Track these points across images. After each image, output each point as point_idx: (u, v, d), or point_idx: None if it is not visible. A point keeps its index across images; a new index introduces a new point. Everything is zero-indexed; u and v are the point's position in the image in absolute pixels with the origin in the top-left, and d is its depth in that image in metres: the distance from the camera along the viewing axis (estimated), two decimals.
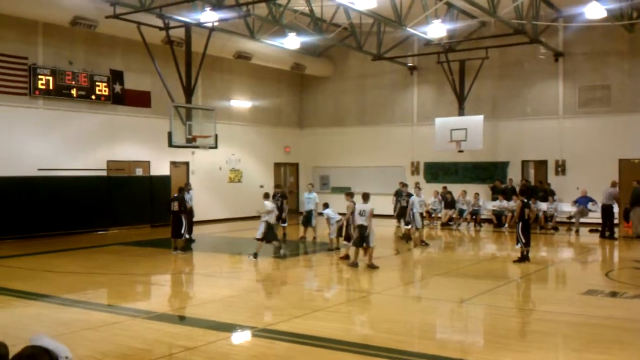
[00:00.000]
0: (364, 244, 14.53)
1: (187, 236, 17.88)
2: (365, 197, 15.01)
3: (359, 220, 14.58)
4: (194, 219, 20.43)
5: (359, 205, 14.85)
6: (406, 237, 20.05)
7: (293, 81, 31.15)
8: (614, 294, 11.88)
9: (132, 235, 21.37)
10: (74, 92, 21.59)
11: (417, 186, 21.29)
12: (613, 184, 21.01)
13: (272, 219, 16.09)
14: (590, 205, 22.32)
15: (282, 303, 11.49)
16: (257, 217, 16.70)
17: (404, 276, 14.74)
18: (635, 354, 7.83)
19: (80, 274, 14.39)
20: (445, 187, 25.15)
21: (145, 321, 9.78)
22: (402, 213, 20.71)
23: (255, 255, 15.76)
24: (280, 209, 20.07)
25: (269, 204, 16.23)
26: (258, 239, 15.97)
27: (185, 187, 19.63)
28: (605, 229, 20.66)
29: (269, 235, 16.01)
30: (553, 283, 14.12)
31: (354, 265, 14.55)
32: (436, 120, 25.77)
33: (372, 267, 14.27)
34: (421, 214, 18.80)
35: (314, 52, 28.96)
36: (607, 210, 20.64)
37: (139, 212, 23.30)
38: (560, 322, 9.86)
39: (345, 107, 30.48)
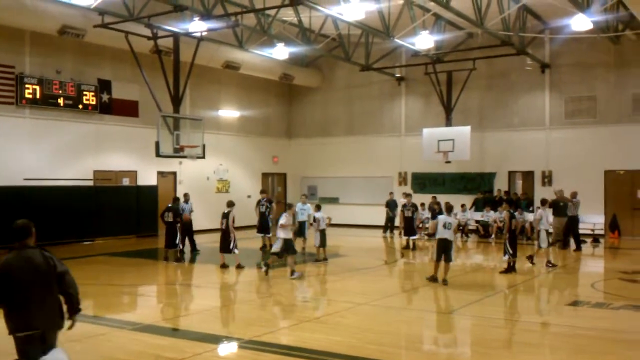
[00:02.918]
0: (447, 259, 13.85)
1: (181, 247, 17.70)
2: (449, 209, 14.39)
3: (444, 234, 13.79)
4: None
5: (443, 217, 14.01)
6: (410, 248, 20.31)
7: (281, 91, 31.18)
8: (599, 305, 11.93)
9: (119, 246, 21.24)
10: (61, 101, 21.49)
11: (406, 195, 21.53)
12: (574, 195, 21.17)
13: (288, 234, 14.85)
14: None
15: (269, 314, 11.45)
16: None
17: (391, 286, 14.73)
18: None
19: None
20: (434, 197, 25.15)
21: (131, 332, 9.72)
22: (408, 225, 20.53)
23: (267, 266, 15.04)
24: (265, 215, 20.01)
25: (284, 218, 14.86)
26: (273, 254, 15.10)
27: (185, 198, 19.54)
28: (567, 240, 20.69)
29: (290, 250, 14.87)
30: (539, 294, 14.16)
31: (433, 279, 13.89)
32: (424, 131, 25.86)
33: (445, 282, 13.70)
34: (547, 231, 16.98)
35: (302, 63, 29.02)
36: (572, 222, 20.66)
37: (126, 223, 23.16)
38: (546, 333, 9.90)
39: (334, 117, 30.54)
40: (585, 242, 21.85)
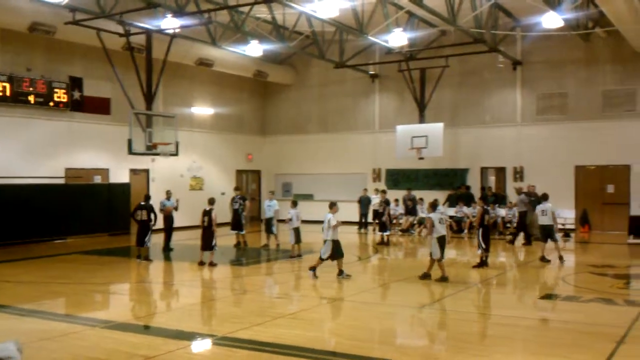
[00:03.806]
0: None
1: (149, 245, 17.57)
2: (435, 206, 14.35)
3: (442, 231, 13.75)
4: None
5: (435, 214, 13.95)
6: (384, 243, 20.57)
7: (255, 88, 31.11)
8: (570, 298, 12.12)
9: (91, 244, 21.04)
10: (31, 98, 21.21)
11: (380, 191, 21.79)
12: (520, 191, 21.57)
13: (335, 235, 14.02)
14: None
15: (243, 311, 11.43)
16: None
17: (366, 282, 14.79)
18: (592, 357, 7.99)
19: (38, 283, 14.12)
20: (409, 190, 25.29)
21: (104, 331, 9.65)
22: (379, 221, 21.29)
23: (340, 273, 14.12)
24: (238, 212, 19.97)
25: (333, 219, 13.98)
26: (323, 259, 14.12)
27: (167, 195, 19.46)
28: (518, 235, 21.00)
29: (337, 253, 14.09)
30: (511, 288, 14.32)
31: (444, 279, 13.58)
32: (397, 128, 26.00)
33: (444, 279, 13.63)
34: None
35: (276, 60, 28.98)
36: (523, 217, 21.04)
37: (98, 221, 22.96)
38: (518, 326, 10.01)
39: (308, 114, 30.56)
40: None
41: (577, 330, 9.54)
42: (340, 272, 14.05)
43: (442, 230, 13.74)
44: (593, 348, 8.42)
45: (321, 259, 14.10)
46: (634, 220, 21.45)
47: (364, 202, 25.12)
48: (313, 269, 14.18)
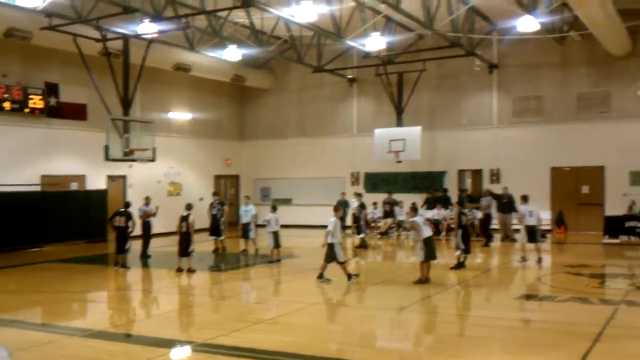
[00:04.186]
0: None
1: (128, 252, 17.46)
2: (416, 209, 14.24)
3: (427, 232, 13.72)
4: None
5: (419, 218, 13.94)
6: (362, 246, 20.78)
7: (233, 93, 31.06)
8: (547, 298, 12.26)
9: (68, 252, 20.84)
10: (7, 105, 20.94)
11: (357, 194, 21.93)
12: (486, 193, 21.87)
13: (336, 238, 13.82)
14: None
15: (223, 317, 11.42)
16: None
17: (344, 285, 14.83)
18: (569, 356, 8.10)
19: (14, 292, 13.97)
20: (390, 193, 25.40)
21: (82, 339, 9.58)
22: (356, 224, 21.49)
23: (321, 276, 14.11)
24: (216, 218, 19.91)
25: (332, 223, 13.85)
26: (342, 262, 14.03)
27: (146, 201, 19.35)
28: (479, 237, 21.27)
29: (331, 256, 13.87)
30: (489, 288, 14.42)
31: (425, 281, 13.62)
32: (375, 132, 26.12)
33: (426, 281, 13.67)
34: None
35: (254, 64, 28.96)
36: (487, 219, 21.41)
37: (75, 228, 22.71)
38: (496, 327, 10.11)
39: (286, 119, 30.58)
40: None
41: (553, 330, 9.66)
42: (321, 275, 14.05)
43: (428, 231, 13.76)
44: (569, 347, 8.53)
45: (340, 263, 13.97)
46: (609, 221, 21.74)
47: (342, 206, 25.09)
48: (349, 276, 13.95)
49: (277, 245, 17.28)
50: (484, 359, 8.27)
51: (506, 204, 21.78)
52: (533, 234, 16.95)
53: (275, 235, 17.23)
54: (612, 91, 24.01)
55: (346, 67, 27.77)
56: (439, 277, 14.45)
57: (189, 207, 16.33)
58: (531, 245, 16.95)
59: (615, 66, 23.87)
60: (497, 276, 15.89)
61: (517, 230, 22.49)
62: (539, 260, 16.69)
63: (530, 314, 11.21)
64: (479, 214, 23.34)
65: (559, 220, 24.36)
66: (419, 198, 25.65)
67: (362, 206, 21.69)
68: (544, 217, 23.93)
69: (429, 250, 13.64)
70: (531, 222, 16.90)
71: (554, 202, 24.72)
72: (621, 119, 23.71)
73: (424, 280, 13.61)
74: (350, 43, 22.49)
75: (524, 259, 16.59)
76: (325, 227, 13.82)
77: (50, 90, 22.48)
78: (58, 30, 19.43)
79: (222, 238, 19.99)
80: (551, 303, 11.87)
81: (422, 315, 11.44)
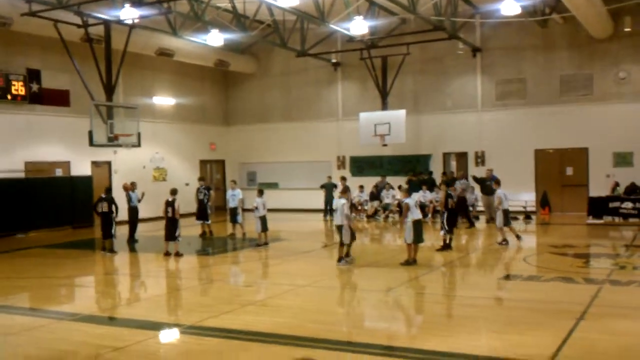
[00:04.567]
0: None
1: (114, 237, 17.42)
2: (408, 191, 14.52)
3: (417, 215, 13.85)
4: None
5: (410, 199, 14.05)
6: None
7: (217, 78, 30.93)
8: (531, 278, 12.41)
9: (54, 238, 20.75)
10: None
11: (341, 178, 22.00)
12: (462, 176, 22.04)
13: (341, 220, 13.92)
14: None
15: (212, 300, 11.47)
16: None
17: (332, 268, 14.92)
18: (552, 333, 8.22)
19: (1, 278, 13.90)
20: (383, 177, 25.54)
21: (71, 323, 9.60)
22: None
23: (340, 260, 14.16)
24: (203, 203, 19.93)
25: (341, 203, 14.05)
26: (347, 244, 14.13)
27: (132, 186, 19.26)
28: (463, 219, 21.40)
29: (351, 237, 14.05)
30: (475, 269, 14.60)
31: (413, 262, 13.73)
32: (360, 115, 26.15)
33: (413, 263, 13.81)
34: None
35: (237, 49, 28.82)
36: (463, 201, 21.51)
37: (60, 214, 22.63)
38: (481, 306, 10.25)
39: (271, 103, 30.50)
40: (517, 218, 22.68)
41: (538, 309, 9.79)
42: (340, 259, 14.11)
43: (417, 214, 13.90)
44: (554, 325, 8.66)
45: (343, 245, 14.08)
46: (593, 201, 21.98)
47: (329, 189, 25.24)
48: (340, 259, 14.09)
49: (264, 229, 17.35)
50: (471, 337, 8.38)
51: (490, 187, 21.89)
52: (508, 216, 17.06)
53: (263, 219, 17.29)
54: (595, 73, 24.16)
55: (330, 52, 27.71)
56: (426, 259, 14.57)
57: (174, 192, 16.34)
58: (506, 228, 17.07)
59: (597, 49, 24.02)
60: (483, 257, 16.05)
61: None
62: (519, 237, 16.90)
63: (515, 293, 11.35)
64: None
65: (543, 202, 24.58)
66: (404, 181, 25.82)
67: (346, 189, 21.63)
68: (529, 198, 24.29)
69: (417, 232, 13.76)
70: (506, 205, 16.98)
71: (539, 183, 24.93)
72: (604, 101, 23.91)
73: (411, 262, 13.73)
74: (334, 27, 22.46)
75: (505, 242, 16.72)
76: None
77: (32, 76, 22.25)
78: (39, 16, 19.21)
79: (209, 222, 20.01)
80: (536, 283, 12.02)
81: (409, 296, 11.56)
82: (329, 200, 25.01)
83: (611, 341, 8.00)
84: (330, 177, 25.90)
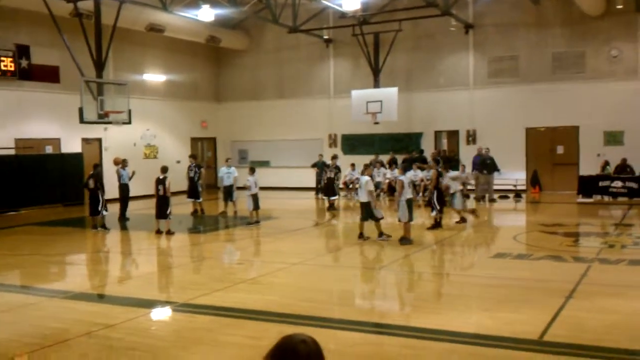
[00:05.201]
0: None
1: (104, 213, 17.34)
2: (406, 169, 14.61)
3: (409, 194, 13.81)
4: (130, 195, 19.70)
5: (404, 177, 13.93)
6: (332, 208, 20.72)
7: (208, 54, 30.70)
8: (521, 256, 12.50)
9: (44, 215, 20.71)
10: None
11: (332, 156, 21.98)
12: (434, 155, 22.20)
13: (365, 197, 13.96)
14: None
15: (203, 278, 11.50)
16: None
17: (323, 246, 14.98)
18: (542, 311, 8.30)
19: None
20: (377, 155, 25.55)
21: (63, 301, 9.61)
22: (328, 186, 21.25)
23: (380, 235, 14.13)
24: (194, 181, 19.89)
25: (365, 180, 14.13)
26: (379, 218, 14.15)
27: (123, 164, 19.13)
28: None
29: (368, 215, 14.07)
30: (465, 248, 14.67)
31: (409, 241, 13.68)
32: (352, 93, 26.05)
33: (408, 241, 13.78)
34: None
35: (229, 25, 28.57)
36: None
37: (51, 191, 22.53)
38: (472, 285, 10.32)
39: (263, 80, 30.33)
40: (507, 197, 22.83)
41: (528, 287, 9.88)
42: (381, 234, 14.08)
43: (409, 193, 13.91)
44: (543, 303, 8.74)
45: (378, 220, 14.09)
46: (583, 180, 22.07)
47: (320, 167, 25.22)
48: (381, 234, 14.09)
49: (256, 207, 17.35)
50: (462, 315, 8.45)
51: (490, 165, 21.99)
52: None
53: (255, 197, 17.29)
54: (587, 51, 24.14)
55: (322, 28, 27.52)
56: (417, 237, 14.61)
57: (164, 169, 16.27)
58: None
59: (589, 26, 23.96)
60: (473, 236, 16.12)
61: (498, 191, 23.02)
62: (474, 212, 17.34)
63: (505, 271, 11.42)
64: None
65: (533, 180, 24.68)
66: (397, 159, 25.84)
67: (337, 168, 21.71)
68: (520, 177, 24.36)
69: (409, 211, 13.78)
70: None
71: (529, 162, 24.99)
72: (595, 79, 23.90)
73: (409, 240, 13.66)
74: (326, 3, 22.33)
75: (464, 220, 16.80)
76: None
77: (21, 52, 21.99)
78: None
79: (200, 200, 19.98)
80: (526, 261, 12.10)
81: (400, 274, 11.61)
82: (320, 178, 25.02)
83: (600, 319, 8.07)
84: (321, 155, 25.85)
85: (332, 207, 20.97)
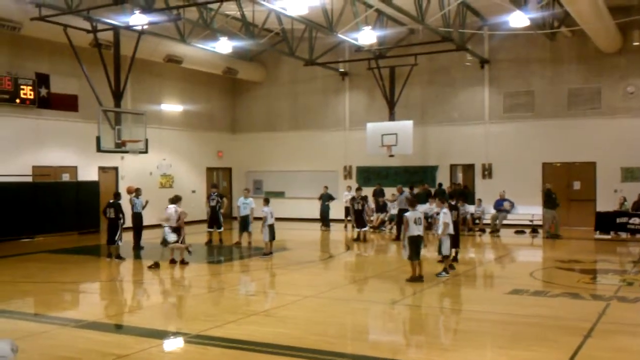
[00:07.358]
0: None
1: (120, 243, 17.32)
2: (413, 203, 13.95)
3: (416, 231, 13.21)
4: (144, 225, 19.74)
5: (411, 213, 13.41)
6: (361, 239, 20.87)
7: (225, 86, 30.98)
8: (538, 293, 12.32)
9: (59, 243, 20.79)
10: None
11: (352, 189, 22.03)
12: (400, 190, 21.98)
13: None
14: (505, 206, 23.19)
15: (216, 309, 11.43)
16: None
17: (337, 279, 14.87)
18: (557, 350, 8.15)
19: (5, 282, 13.91)
20: (379, 185, 25.49)
21: (75, 330, 9.57)
22: (357, 217, 21.51)
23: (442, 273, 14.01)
24: (215, 210, 19.94)
25: (443, 212, 14.05)
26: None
27: (136, 193, 19.15)
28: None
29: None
30: (480, 283, 14.52)
31: (418, 279, 13.26)
32: (367, 125, 26.12)
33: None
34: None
35: (246, 57, 28.86)
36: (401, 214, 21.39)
37: (66, 219, 22.67)
38: (487, 321, 10.17)
39: (278, 112, 30.52)
40: (524, 232, 22.66)
41: (544, 325, 9.71)
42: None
43: (415, 230, 13.29)
44: (560, 342, 8.58)
45: (446, 256, 14.24)
46: (600, 216, 21.84)
47: (325, 200, 25.29)
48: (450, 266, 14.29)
49: (272, 237, 17.28)
50: (476, 353, 8.32)
51: (555, 200, 21.81)
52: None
53: (271, 228, 17.22)
54: (603, 87, 24.11)
55: (338, 61, 27.75)
56: (431, 272, 14.48)
57: (176, 199, 16.23)
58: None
59: (605, 62, 23.97)
60: (489, 270, 15.96)
61: (514, 226, 22.86)
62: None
63: (521, 308, 11.25)
64: (471, 209, 23.55)
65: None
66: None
67: (364, 199, 21.85)
68: (536, 212, 24.12)
69: (412, 249, 13.21)
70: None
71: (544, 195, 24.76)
72: (612, 115, 23.84)
73: (416, 278, 13.27)
74: (342, 37, 22.46)
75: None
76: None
77: (41, 80, 22.36)
78: (48, 21, 19.27)
79: (221, 230, 20.05)
80: (542, 298, 11.92)
81: (414, 309, 11.48)
82: (324, 210, 25.05)
83: (619, 359, 7.90)
84: (326, 187, 25.78)
85: (359, 238, 20.96)
